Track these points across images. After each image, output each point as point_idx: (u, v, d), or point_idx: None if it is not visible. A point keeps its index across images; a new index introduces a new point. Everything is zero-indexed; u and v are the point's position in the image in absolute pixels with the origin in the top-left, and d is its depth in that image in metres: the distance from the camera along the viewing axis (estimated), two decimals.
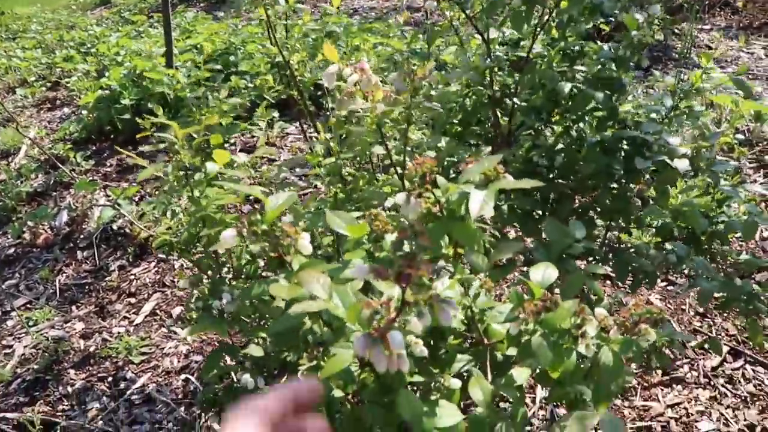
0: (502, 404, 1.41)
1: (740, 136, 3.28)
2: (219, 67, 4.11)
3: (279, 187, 1.51)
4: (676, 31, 4.76)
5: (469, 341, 1.11)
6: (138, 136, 1.76)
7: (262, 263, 1.37)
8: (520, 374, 0.93)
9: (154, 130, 1.60)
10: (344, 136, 1.74)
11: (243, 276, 1.38)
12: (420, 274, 0.62)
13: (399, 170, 1.49)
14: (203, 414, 2.03)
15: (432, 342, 1.02)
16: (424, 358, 0.89)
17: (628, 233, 1.82)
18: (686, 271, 1.74)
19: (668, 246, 1.83)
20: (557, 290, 1.19)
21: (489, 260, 1.10)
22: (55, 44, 5.46)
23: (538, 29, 1.68)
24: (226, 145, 3.56)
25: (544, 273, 1.00)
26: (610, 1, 1.57)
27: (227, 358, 1.38)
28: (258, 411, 0.49)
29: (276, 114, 3.62)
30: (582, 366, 1.00)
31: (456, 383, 0.93)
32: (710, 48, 4.61)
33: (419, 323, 0.72)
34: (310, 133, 2.89)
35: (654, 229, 1.87)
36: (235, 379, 1.53)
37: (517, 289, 0.96)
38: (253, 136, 3.66)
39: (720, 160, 1.70)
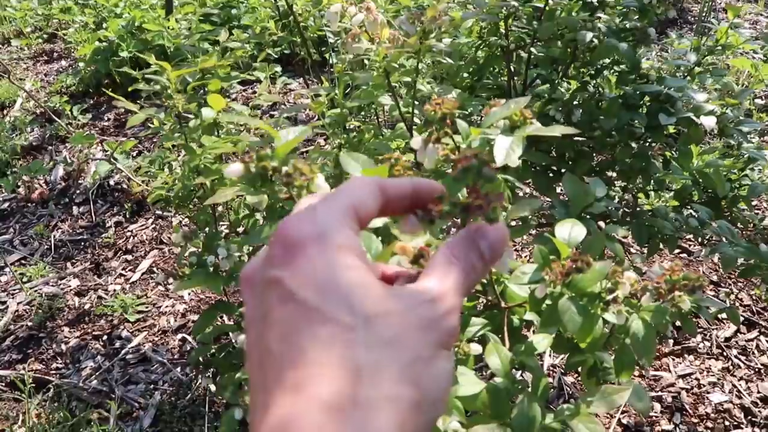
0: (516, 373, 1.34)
1: (759, 101, 3.17)
2: (219, 21, 3.99)
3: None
4: None
5: (481, 303, 1.03)
6: (130, 89, 1.66)
7: (260, 217, 1.29)
8: (542, 341, 0.85)
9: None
10: (350, 86, 1.65)
11: (240, 231, 1.30)
12: (495, 205, 0.48)
13: (407, 123, 1.39)
14: (198, 375, 1.97)
15: None
16: None
17: (646, 195, 1.73)
18: (704, 238, 1.65)
19: (686, 210, 1.75)
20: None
21: (505, 218, 1.01)
22: None
23: None
24: (226, 100, 3.45)
25: (571, 230, 0.90)
26: None
27: (223, 317, 1.31)
28: (376, 182, 0.41)
29: (278, 69, 3.52)
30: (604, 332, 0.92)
31: (476, 348, 0.84)
32: (726, 12, 4.46)
33: None
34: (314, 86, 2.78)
35: (672, 192, 1.78)
36: (232, 340, 1.46)
37: (541, 247, 0.87)
38: (254, 92, 3.55)
39: (747, 119, 1.61)
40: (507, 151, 0.76)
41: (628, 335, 0.86)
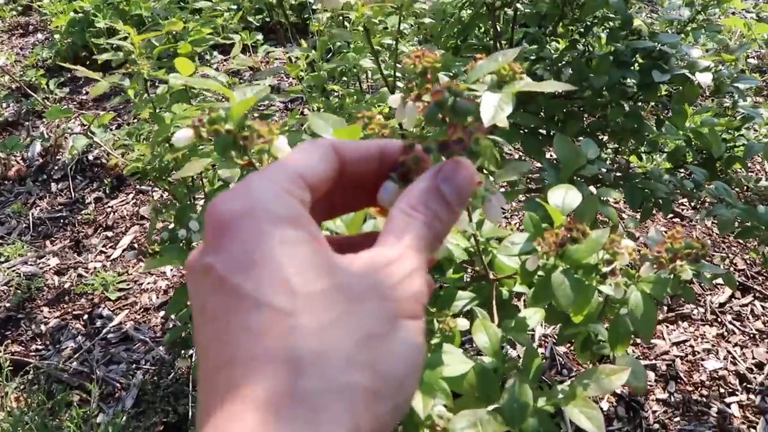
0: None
1: (752, 61, 3.11)
2: None
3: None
4: None
5: (468, 275, 0.96)
6: (98, 59, 1.58)
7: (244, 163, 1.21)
8: (533, 316, 0.79)
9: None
10: (331, 51, 1.57)
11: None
12: (478, 135, 0.41)
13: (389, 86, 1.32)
14: (175, 357, 1.91)
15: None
16: None
17: (639, 157, 1.67)
18: (699, 201, 1.60)
19: (680, 173, 1.69)
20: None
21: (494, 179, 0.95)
22: None
23: None
24: (196, 64, 3.35)
25: (565, 196, 0.83)
26: None
27: None
28: (330, 144, 0.36)
29: (260, 37, 3.42)
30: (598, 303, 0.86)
31: (463, 323, 0.78)
32: None
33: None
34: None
35: (665, 154, 1.72)
36: None
37: (532, 214, 0.80)
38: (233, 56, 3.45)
39: (744, 76, 1.54)
40: (495, 108, 0.68)
41: (625, 306, 0.80)
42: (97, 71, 1.55)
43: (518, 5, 1.50)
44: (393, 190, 0.39)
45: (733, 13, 3.38)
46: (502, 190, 1.26)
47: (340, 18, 1.40)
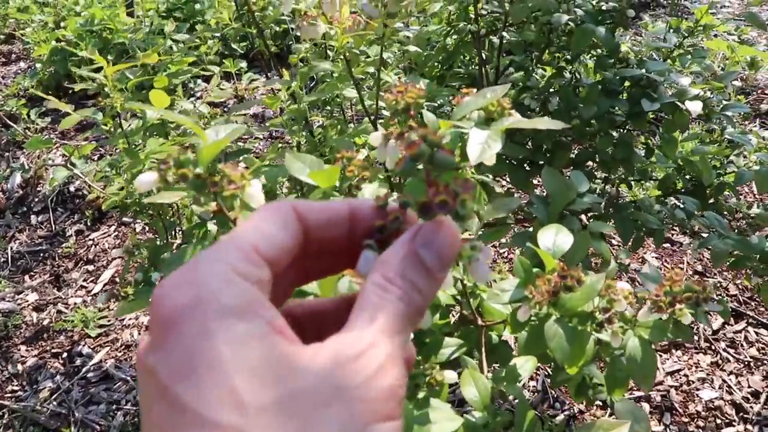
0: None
1: (736, 83, 3.11)
2: (182, 16, 3.85)
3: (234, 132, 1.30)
4: None
5: (455, 317, 0.92)
6: (78, 87, 1.54)
7: (213, 227, 1.17)
8: (525, 365, 0.75)
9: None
10: (314, 79, 1.54)
11: (193, 241, 1.18)
12: (465, 197, 0.36)
13: (372, 117, 1.29)
14: None
15: None
16: None
17: (629, 186, 1.64)
18: (691, 230, 1.57)
19: (672, 199, 1.67)
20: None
21: (480, 220, 0.91)
22: None
23: None
24: (190, 100, 3.32)
25: (555, 238, 0.79)
26: None
27: None
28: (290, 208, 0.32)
29: (244, 64, 3.39)
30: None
31: (451, 376, 0.73)
32: None
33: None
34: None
35: (655, 182, 1.70)
36: None
37: (523, 259, 0.76)
38: (221, 89, 3.42)
39: (733, 102, 1.52)
40: (482, 146, 0.64)
41: (622, 350, 0.76)
42: (80, 100, 1.52)
43: (504, 33, 1.47)
44: (373, 261, 0.35)
45: (716, 36, 3.40)
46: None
47: (322, 47, 1.37)
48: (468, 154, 0.65)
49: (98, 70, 1.37)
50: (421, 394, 0.71)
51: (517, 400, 0.79)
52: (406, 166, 0.37)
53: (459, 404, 1.62)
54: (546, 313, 0.71)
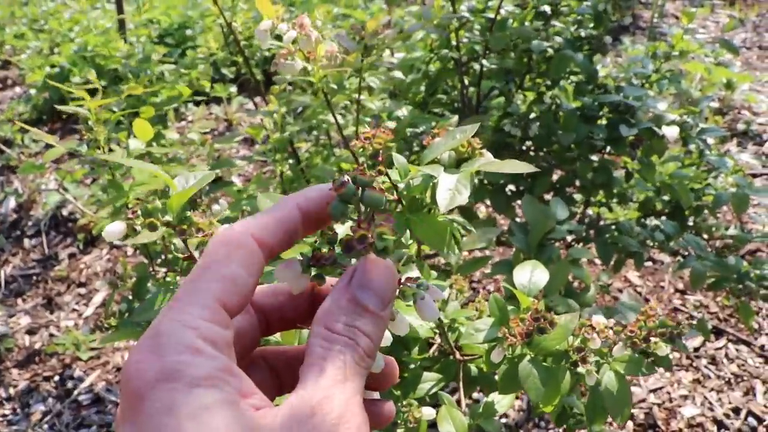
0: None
1: (713, 104, 3.15)
2: (174, 42, 3.90)
3: (219, 165, 1.33)
4: (642, 0, 4.61)
5: (434, 350, 0.94)
6: (67, 109, 1.57)
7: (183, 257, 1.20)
8: (503, 401, 0.77)
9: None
10: (301, 107, 1.57)
11: (177, 271, 1.21)
12: (383, 229, 0.37)
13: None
14: None
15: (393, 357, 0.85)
16: None
17: (609, 209, 1.67)
18: (671, 249, 1.60)
19: (652, 220, 1.70)
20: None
21: (458, 250, 0.94)
22: (6, 20, 5.17)
23: None
24: (182, 123, 3.36)
25: (531, 276, 0.80)
26: None
27: None
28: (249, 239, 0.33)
29: (234, 89, 3.43)
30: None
31: (429, 413, 0.75)
32: (677, 18, 4.48)
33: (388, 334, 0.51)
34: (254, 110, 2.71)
35: (635, 204, 1.73)
36: None
37: (497, 295, 0.78)
38: (211, 113, 3.46)
39: (710, 126, 1.56)
40: (452, 192, 0.66)
41: (600, 385, 0.78)
42: (75, 123, 1.55)
43: (484, 61, 1.51)
44: (295, 274, 0.37)
45: (693, 58, 3.45)
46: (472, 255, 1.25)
47: (302, 81, 1.40)
48: (438, 202, 0.66)
49: (80, 105, 1.40)
50: (399, 431, 0.73)
51: None
52: (335, 208, 0.38)
53: None
54: (520, 353, 0.72)
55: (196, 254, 0.61)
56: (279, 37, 1.05)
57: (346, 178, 0.38)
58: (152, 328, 0.29)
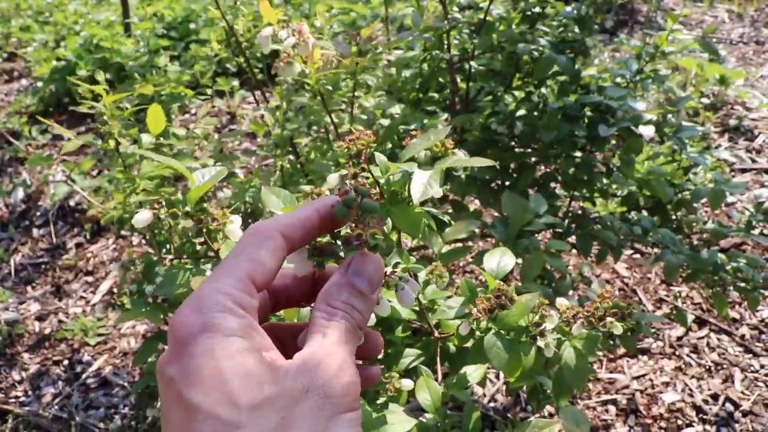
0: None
1: (705, 100, 3.23)
2: (177, 35, 3.98)
3: (223, 159, 1.42)
4: None
5: (417, 329, 1.03)
6: (79, 108, 1.66)
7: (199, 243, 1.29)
8: (474, 372, 0.86)
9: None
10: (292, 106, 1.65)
11: (183, 256, 1.30)
12: (373, 231, 0.49)
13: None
14: (146, 407, 1.96)
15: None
16: None
17: (593, 203, 1.76)
18: (649, 242, 1.68)
19: (634, 215, 1.78)
20: (517, 272, 1.11)
21: (442, 240, 1.02)
22: (12, 13, 5.25)
23: None
24: (185, 116, 3.44)
25: (499, 261, 0.90)
26: None
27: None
28: (277, 234, 0.42)
29: (236, 83, 3.52)
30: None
31: (407, 384, 0.84)
32: (674, 11, 4.55)
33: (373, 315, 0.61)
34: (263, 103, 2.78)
35: (619, 198, 1.81)
36: None
37: (469, 279, 0.87)
38: (213, 106, 3.54)
39: (687, 125, 1.64)
40: (424, 186, 0.75)
41: (561, 360, 0.87)
42: (84, 118, 1.63)
43: (473, 62, 1.59)
44: (303, 262, 0.47)
45: (690, 53, 3.51)
46: (455, 246, 1.34)
47: (300, 82, 1.48)
48: (412, 194, 0.76)
49: (97, 98, 1.48)
50: (381, 400, 0.82)
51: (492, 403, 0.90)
52: (339, 211, 0.49)
53: (421, 410, 1.74)
54: (486, 327, 0.82)
55: (216, 243, 0.69)
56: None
57: (349, 187, 0.47)
58: (194, 293, 0.38)
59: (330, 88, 1.21)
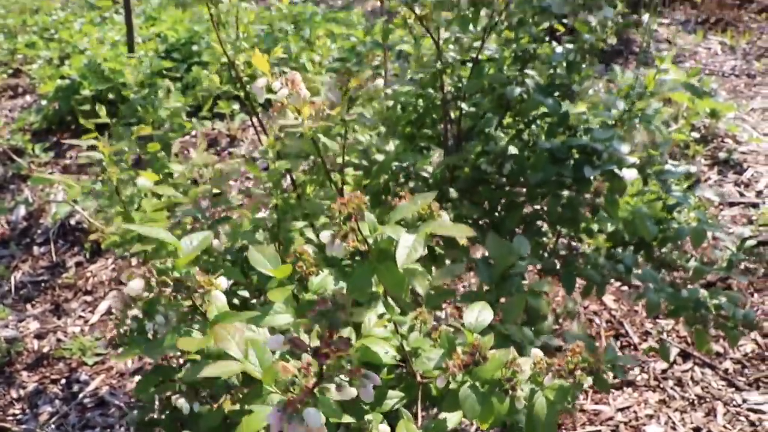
0: None
1: (695, 134, 3.29)
2: (180, 56, 4.05)
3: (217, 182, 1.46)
4: (636, 24, 4.76)
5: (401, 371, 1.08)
6: (84, 138, 1.71)
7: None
8: (452, 418, 0.91)
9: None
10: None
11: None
12: (339, 354, 0.59)
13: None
14: None
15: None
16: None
17: (579, 240, 1.81)
18: (629, 282, 1.73)
19: (620, 250, 1.83)
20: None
21: (428, 285, 1.07)
22: (18, 29, 5.32)
23: (487, 31, 1.65)
24: (186, 138, 3.49)
25: (478, 315, 0.96)
26: (557, 3, 1.54)
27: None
28: None
29: (236, 106, 3.58)
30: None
31: (385, 429, 0.90)
32: (669, 42, 4.62)
33: (338, 395, 0.68)
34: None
35: (606, 234, 1.86)
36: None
37: (449, 331, 0.93)
38: (213, 128, 3.59)
39: (669, 168, 1.69)
40: (410, 249, 0.81)
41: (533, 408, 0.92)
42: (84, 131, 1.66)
43: (463, 104, 1.65)
44: None
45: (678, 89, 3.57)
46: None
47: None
48: (397, 258, 0.82)
49: (92, 148, 1.53)
50: None
51: None
52: (314, 318, 0.57)
53: None
54: (461, 380, 0.87)
55: (204, 305, 0.75)
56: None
57: (327, 300, 0.56)
58: None
59: (320, 136, 1.26)
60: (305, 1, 4.67)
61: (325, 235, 0.86)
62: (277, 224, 1.41)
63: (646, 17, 4.69)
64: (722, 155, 3.13)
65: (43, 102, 3.93)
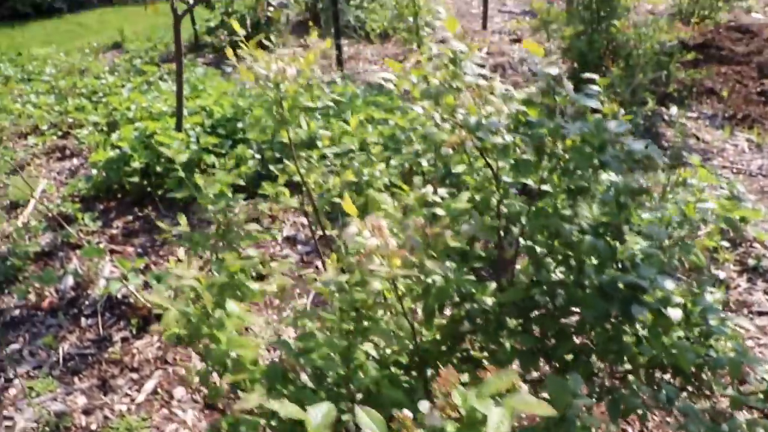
0: None
1: (725, 243, 3.38)
2: (225, 132, 4.23)
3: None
4: (665, 118, 4.91)
5: None
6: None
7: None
8: None
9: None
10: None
11: None
12: None
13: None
14: None
15: None
16: None
17: (621, 364, 1.90)
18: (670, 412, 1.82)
19: (659, 374, 1.91)
20: None
21: None
22: (68, 91, 5.56)
23: (546, 174, 1.78)
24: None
25: None
26: (616, 163, 1.66)
27: None
28: None
29: (282, 188, 3.72)
30: None
31: None
32: (697, 138, 4.76)
33: None
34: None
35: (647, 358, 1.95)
36: None
37: None
38: (257, 209, 3.73)
39: (707, 303, 1.79)
40: (498, 422, 0.93)
41: None
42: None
43: (520, 239, 1.77)
44: None
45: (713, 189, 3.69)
46: None
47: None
48: (488, 429, 0.93)
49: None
50: None
51: None
52: None
53: None
54: None
55: None
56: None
57: None
58: None
59: (400, 284, 1.39)
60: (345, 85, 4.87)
61: (424, 406, 0.97)
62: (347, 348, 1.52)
63: (674, 110, 4.87)
64: (751, 261, 3.22)
65: (93, 171, 4.10)
